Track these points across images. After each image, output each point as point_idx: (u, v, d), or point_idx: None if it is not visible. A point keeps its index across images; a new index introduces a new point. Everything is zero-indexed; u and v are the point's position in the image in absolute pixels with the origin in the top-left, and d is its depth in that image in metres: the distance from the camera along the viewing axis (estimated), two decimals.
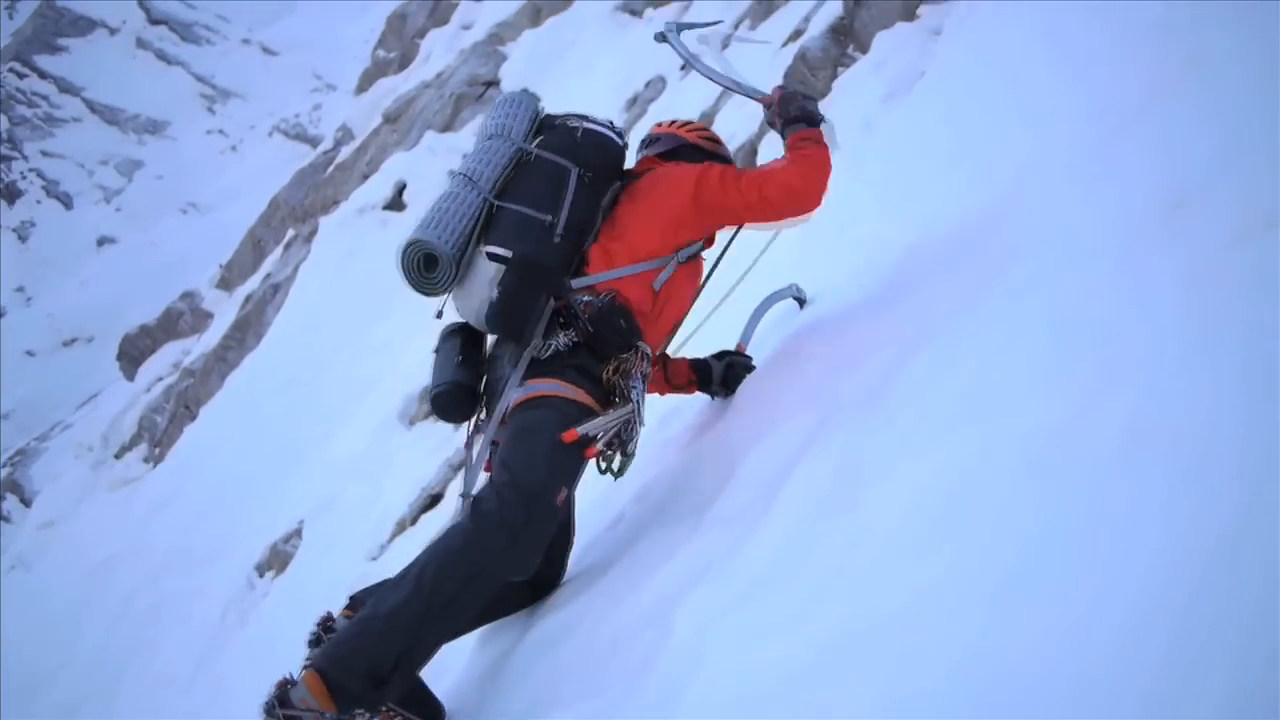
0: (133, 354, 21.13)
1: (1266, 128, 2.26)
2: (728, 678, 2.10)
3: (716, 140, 3.78)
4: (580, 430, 3.02)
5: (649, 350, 3.28)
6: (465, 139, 15.27)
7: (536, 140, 3.46)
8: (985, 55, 4.72)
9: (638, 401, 3.17)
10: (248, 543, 11.38)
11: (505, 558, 2.90)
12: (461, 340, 3.42)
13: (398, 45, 23.58)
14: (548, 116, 3.57)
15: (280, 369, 13.81)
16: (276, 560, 10.60)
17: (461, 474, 3.47)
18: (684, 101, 10.13)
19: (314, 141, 40.37)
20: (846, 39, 7.63)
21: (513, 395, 3.12)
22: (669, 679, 2.28)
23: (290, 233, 18.62)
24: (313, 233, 16.48)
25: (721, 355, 3.90)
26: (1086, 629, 1.53)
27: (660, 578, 2.76)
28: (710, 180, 3.35)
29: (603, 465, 3.20)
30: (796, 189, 3.32)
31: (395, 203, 15.25)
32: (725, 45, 10.58)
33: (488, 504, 2.92)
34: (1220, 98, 2.55)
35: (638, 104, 11.54)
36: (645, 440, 3.95)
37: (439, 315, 3.48)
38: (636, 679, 2.43)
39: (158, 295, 24.90)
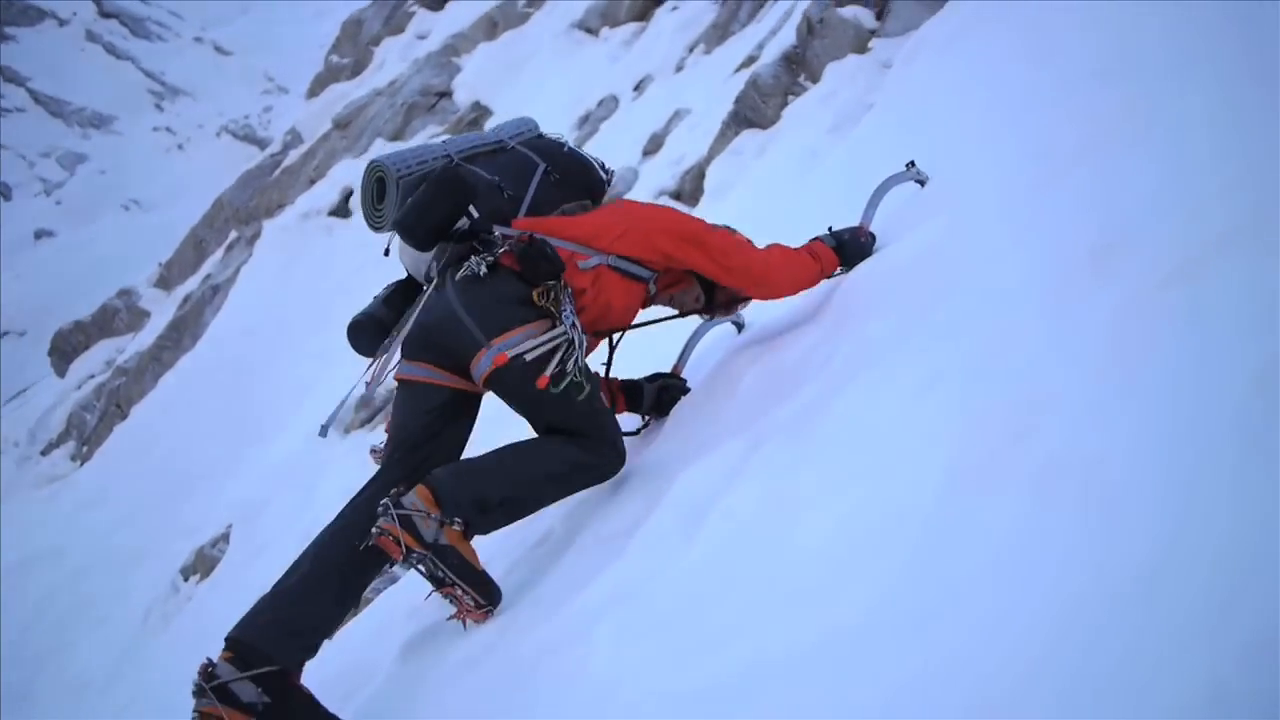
0: (65, 350, 20.71)
1: (1196, 175, 2.31)
2: (645, 700, 2.09)
3: None
4: (510, 353, 3.11)
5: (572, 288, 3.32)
6: None
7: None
8: (931, 93, 4.79)
9: (570, 324, 3.20)
10: (174, 546, 11.20)
11: (612, 470, 3.31)
12: (396, 286, 3.59)
13: (352, 51, 23.44)
14: (541, 135, 3.70)
15: (216, 371, 13.64)
16: (202, 565, 10.45)
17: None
18: (635, 121, 10.18)
19: (262, 143, 39.93)
20: (798, 68, 7.70)
21: (483, 363, 3.15)
22: (587, 700, 2.27)
23: (233, 234, 18.41)
24: (256, 235, 16.32)
25: (654, 377, 3.90)
26: (1002, 664, 1.54)
27: (584, 597, 2.75)
28: (690, 218, 3.51)
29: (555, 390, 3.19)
30: (757, 273, 3.46)
31: (341, 209, 15.14)
32: (679, 68, 10.64)
33: (595, 452, 3.24)
34: (1152, 145, 2.61)
35: (589, 122, 11.56)
36: None
37: (386, 253, 3.64)
38: (556, 699, 2.42)
39: (94, 291, 24.43)
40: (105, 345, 19.78)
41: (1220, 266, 1.92)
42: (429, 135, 15.26)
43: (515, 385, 3.17)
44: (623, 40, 13.30)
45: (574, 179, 3.59)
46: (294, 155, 19.31)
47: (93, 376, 18.63)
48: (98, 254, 40.09)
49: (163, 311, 18.39)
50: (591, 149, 10.91)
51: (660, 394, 3.84)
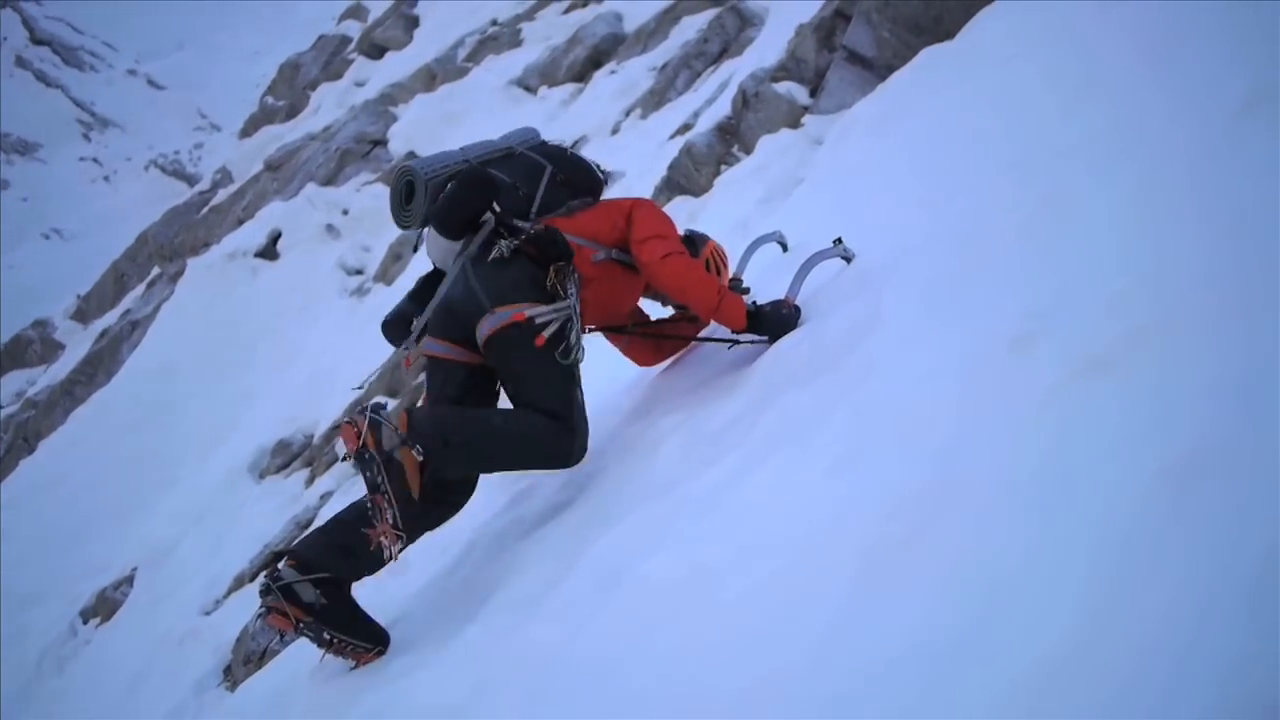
0: None
1: (1113, 269, 2.37)
2: None
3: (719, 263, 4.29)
4: (528, 313, 3.49)
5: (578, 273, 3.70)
6: (346, 194, 15.15)
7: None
8: (860, 172, 4.89)
9: (573, 302, 3.56)
10: (75, 587, 10.92)
11: (569, 453, 3.54)
12: (422, 282, 3.93)
13: (288, 94, 23.41)
14: (544, 142, 4.13)
15: (129, 409, 13.38)
16: (104, 607, 10.20)
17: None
18: None
19: (191, 180, 39.61)
20: (732, 138, 7.83)
21: (485, 326, 3.53)
22: None
23: (156, 270, 18.18)
24: (179, 273, 16.11)
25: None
26: None
27: (492, 661, 2.74)
28: (641, 210, 3.88)
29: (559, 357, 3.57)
30: (661, 261, 3.73)
31: (268, 251, 15.01)
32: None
33: (557, 431, 3.51)
34: (1071, 238, 2.68)
35: None
36: (492, 521, 3.94)
37: (415, 249, 4.08)
38: None
39: (8, 320, 23.96)
40: (15, 376, 19.36)
41: (1131, 362, 1.98)
42: (361, 183, 15.22)
43: (513, 346, 3.51)
44: (561, 100, 13.44)
45: (577, 179, 3.98)
46: (223, 194, 19.17)
47: (1, 408, 18.18)
48: (14, 283, 39.32)
49: (78, 345, 18.05)
50: None
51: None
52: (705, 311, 3.73)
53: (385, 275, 13.08)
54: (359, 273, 13.93)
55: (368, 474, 3.32)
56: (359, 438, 3.30)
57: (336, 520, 3.52)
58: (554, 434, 3.49)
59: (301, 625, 3.31)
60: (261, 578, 3.35)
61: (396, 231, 13.35)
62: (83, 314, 20.22)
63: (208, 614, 8.17)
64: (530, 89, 14.56)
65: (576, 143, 11.20)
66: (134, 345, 15.31)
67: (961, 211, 3.44)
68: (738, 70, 8.86)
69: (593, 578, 2.80)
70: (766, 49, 8.49)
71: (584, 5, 16.11)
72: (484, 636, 3.00)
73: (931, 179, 3.96)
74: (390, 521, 3.31)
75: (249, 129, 23.73)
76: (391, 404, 3.24)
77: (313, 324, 13.32)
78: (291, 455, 10.52)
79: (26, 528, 12.43)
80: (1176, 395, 1.83)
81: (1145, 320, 2.08)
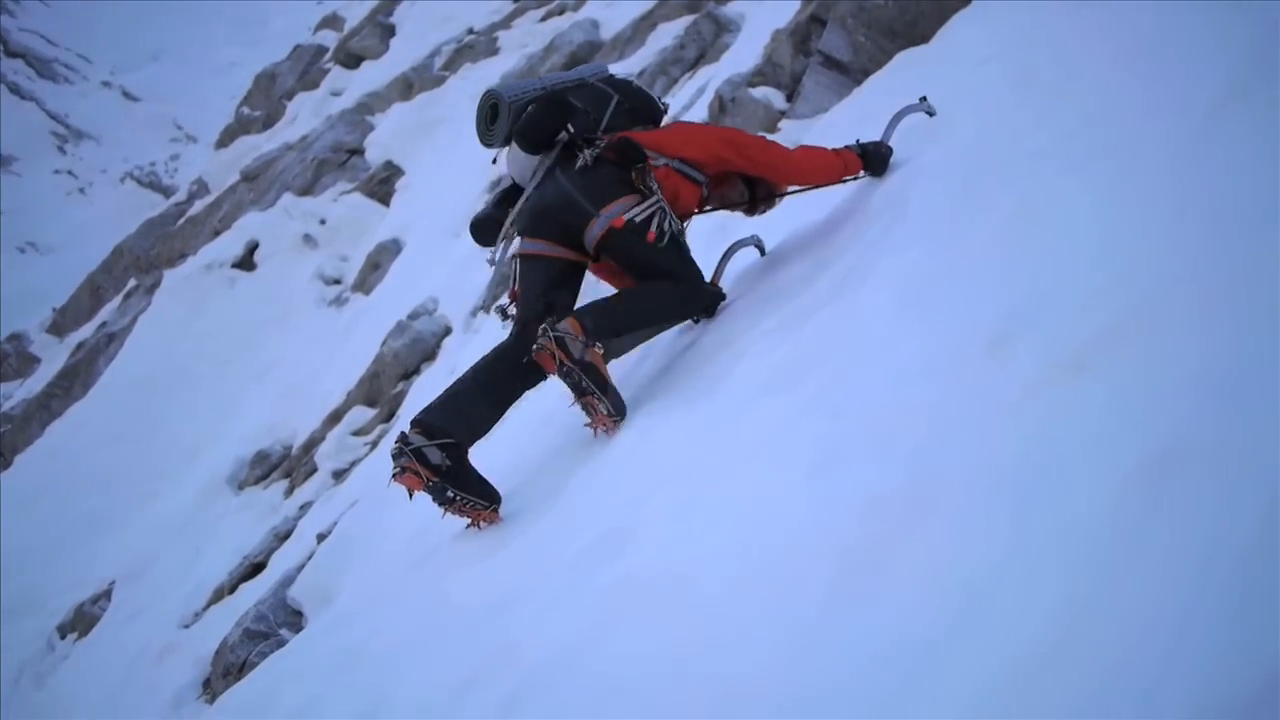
0: None
1: (1085, 271, 2.38)
2: None
3: None
4: (625, 216, 3.95)
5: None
6: (324, 203, 15.11)
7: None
8: None
9: (659, 195, 4.03)
10: (52, 602, 10.85)
11: (706, 306, 4.25)
12: (504, 195, 4.41)
13: (264, 104, 23.34)
14: (612, 75, 4.55)
15: (106, 422, 13.31)
16: (81, 622, 10.14)
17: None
18: None
19: (167, 192, 39.42)
20: None
21: (596, 228, 3.99)
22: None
23: (132, 282, 18.08)
24: (156, 284, 16.03)
25: None
26: None
27: (471, 663, 2.73)
28: (735, 130, 4.52)
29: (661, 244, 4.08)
30: (780, 166, 4.30)
31: (245, 261, 14.96)
32: None
33: (691, 288, 4.10)
34: (1044, 241, 2.68)
35: (502, 186, 11.61)
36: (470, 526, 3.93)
37: (494, 161, 4.47)
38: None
39: None
40: None
41: (1109, 359, 1.99)
42: (339, 192, 15.18)
43: (627, 244, 3.98)
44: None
45: (640, 108, 4.42)
46: (199, 205, 19.09)
47: None
48: None
49: (54, 358, 17.95)
50: None
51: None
52: (833, 177, 4.33)
53: (363, 285, 13.05)
54: (337, 282, 13.90)
55: (571, 382, 3.70)
56: (554, 357, 3.66)
57: (452, 392, 3.90)
58: (692, 292, 4.09)
59: (431, 484, 3.66)
60: (393, 443, 3.72)
61: (374, 241, 13.35)
62: (59, 327, 20.09)
63: (187, 627, 8.12)
64: None
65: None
66: (111, 358, 15.23)
67: (938, 212, 3.45)
68: (714, 76, 8.88)
69: (571, 579, 2.80)
70: (743, 54, 8.50)
71: (560, 13, 16.12)
72: (462, 640, 2.99)
73: (907, 180, 3.97)
74: (605, 412, 3.75)
75: (225, 140, 23.61)
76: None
77: (291, 334, 13.28)
78: (270, 466, 10.48)
79: (3, 542, 12.35)
80: (1154, 391, 1.83)
81: (1122, 317, 2.08)
